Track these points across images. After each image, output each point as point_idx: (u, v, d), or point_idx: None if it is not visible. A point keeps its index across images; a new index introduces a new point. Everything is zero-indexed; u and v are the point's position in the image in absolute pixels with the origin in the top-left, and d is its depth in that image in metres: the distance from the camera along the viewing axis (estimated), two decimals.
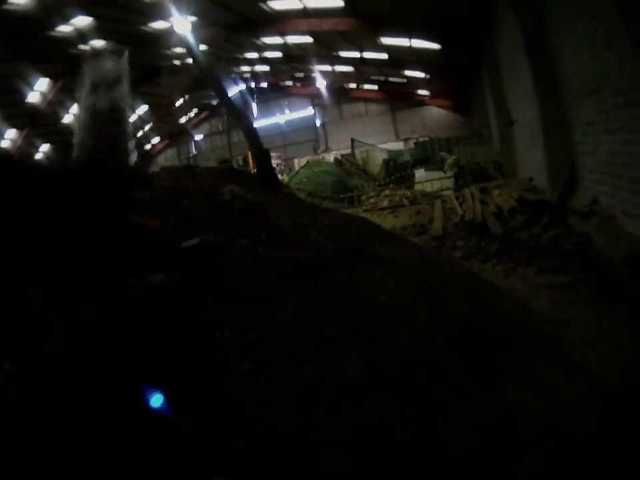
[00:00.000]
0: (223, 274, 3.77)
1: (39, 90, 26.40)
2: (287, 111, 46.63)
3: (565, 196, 9.72)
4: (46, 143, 30.67)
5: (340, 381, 2.99)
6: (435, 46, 20.99)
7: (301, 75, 37.68)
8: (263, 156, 9.15)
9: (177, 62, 30.16)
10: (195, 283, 3.50)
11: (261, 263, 4.23)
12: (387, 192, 21.43)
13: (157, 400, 1.76)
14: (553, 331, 5.56)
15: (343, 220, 7.07)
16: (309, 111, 45.82)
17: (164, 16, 20.64)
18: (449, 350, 3.65)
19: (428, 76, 29.84)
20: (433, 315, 4.16)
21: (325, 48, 26.10)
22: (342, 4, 18.20)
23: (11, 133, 29.40)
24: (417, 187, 22.13)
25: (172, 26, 21.75)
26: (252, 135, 9.55)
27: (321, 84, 37.06)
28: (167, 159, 52.14)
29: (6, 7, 16.70)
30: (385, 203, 19.24)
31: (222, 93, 10.45)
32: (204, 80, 10.58)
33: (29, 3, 17.03)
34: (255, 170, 9.61)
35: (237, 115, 10.88)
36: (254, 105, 45.08)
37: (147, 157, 41.07)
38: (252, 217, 5.30)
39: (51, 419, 2.12)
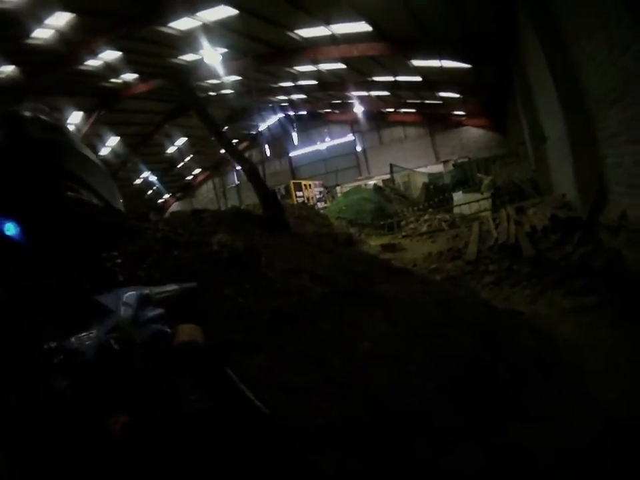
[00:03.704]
0: (199, 323, 3.56)
1: (73, 123, 26.99)
2: (327, 138, 46.87)
3: (596, 211, 9.33)
4: None
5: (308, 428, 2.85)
6: (466, 65, 20.79)
7: (338, 101, 37.71)
8: (268, 197, 9.19)
9: (212, 93, 30.57)
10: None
11: (240, 312, 4.15)
12: (426, 217, 22.10)
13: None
14: (574, 358, 5.22)
15: (349, 259, 6.98)
16: (349, 137, 45.97)
17: (194, 49, 20.99)
18: (444, 394, 3.43)
19: (462, 96, 29.78)
20: (432, 357, 3.93)
21: (359, 73, 26.09)
22: (370, 29, 18.19)
23: None
24: (456, 210, 22.55)
25: (202, 58, 22.37)
26: (255, 177, 9.71)
27: (359, 109, 36.96)
28: (209, 189, 53.82)
29: (30, 41, 17.15)
30: (425, 228, 19.74)
31: (219, 136, 10.31)
32: (205, 125, 10.74)
33: (53, 39, 17.45)
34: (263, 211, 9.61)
35: (237, 157, 11.11)
36: (294, 134, 45.70)
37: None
38: (240, 265, 5.30)
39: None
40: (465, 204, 22.64)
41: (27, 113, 1.29)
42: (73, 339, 1.09)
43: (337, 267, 5.95)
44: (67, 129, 1.35)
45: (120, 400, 1.16)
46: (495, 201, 19.42)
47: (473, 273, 10.54)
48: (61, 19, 16.52)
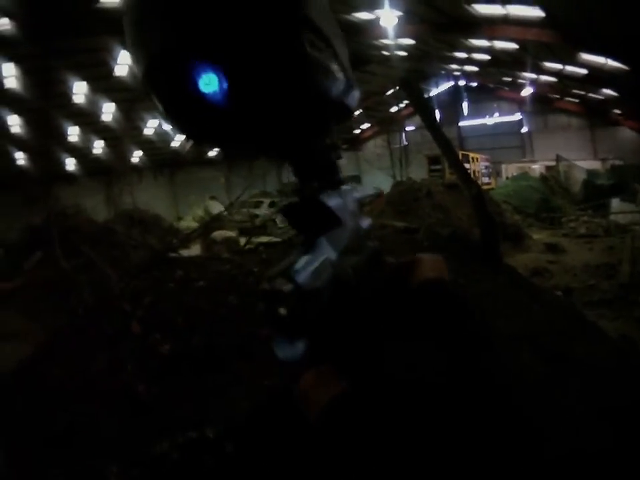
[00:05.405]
0: None
1: None
2: (495, 114, 45.85)
3: None
4: None
5: None
6: (626, 67, 20.44)
7: (509, 79, 36.85)
8: (489, 226, 8.78)
9: (385, 53, 30.77)
10: None
11: None
12: (585, 218, 22.68)
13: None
14: None
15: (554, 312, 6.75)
16: (516, 116, 44.73)
17: (369, 7, 21.72)
18: None
19: (620, 95, 29.10)
20: None
21: (530, 56, 25.78)
22: (542, 14, 18.05)
23: None
24: (612, 217, 22.50)
25: (378, 18, 22.83)
26: (480, 204, 9.04)
27: (528, 91, 36.36)
28: (376, 145, 52.84)
29: None
30: (582, 230, 20.23)
31: (445, 147, 9.79)
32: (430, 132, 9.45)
33: None
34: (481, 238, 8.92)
35: (462, 175, 10.14)
36: (464, 104, 45.52)
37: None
38: None
39: None
40: (621, 213, 22.39)
41: None
42: (304, 261, 0.80)
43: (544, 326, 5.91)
44: None
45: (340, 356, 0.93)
46: None
47: (625, 299, 10.66)
48: None
